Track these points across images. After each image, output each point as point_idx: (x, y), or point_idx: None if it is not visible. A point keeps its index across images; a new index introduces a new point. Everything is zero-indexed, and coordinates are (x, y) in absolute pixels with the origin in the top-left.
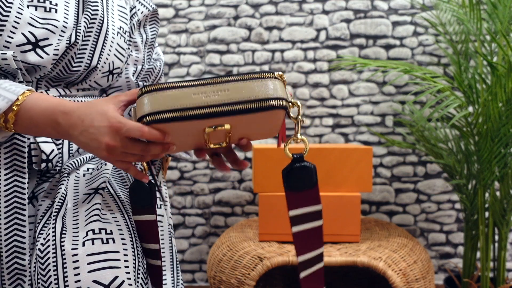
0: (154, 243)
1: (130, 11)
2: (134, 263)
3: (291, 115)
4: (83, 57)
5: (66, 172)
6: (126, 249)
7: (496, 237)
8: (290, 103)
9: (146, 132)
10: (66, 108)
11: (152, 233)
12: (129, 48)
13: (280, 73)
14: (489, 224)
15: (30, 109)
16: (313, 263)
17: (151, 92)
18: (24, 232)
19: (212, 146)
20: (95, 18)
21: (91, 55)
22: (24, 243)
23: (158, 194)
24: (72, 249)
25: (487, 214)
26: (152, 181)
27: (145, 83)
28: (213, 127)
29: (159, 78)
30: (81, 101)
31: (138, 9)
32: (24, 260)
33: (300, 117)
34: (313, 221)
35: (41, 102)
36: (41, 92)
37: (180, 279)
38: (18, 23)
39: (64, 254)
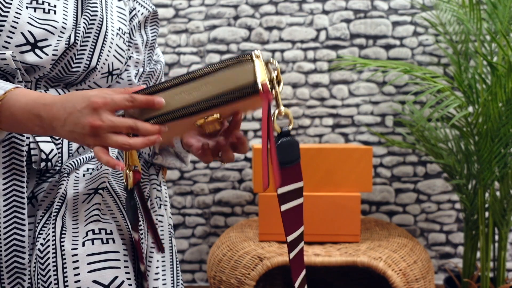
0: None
1: (130, 12)
2: (134, 263)
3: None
4: (83, 58)
5: (66, 172)
6: (126, 249)
7: (496, 237)
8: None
9: (138, 98)
10: (46, 100)
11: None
12: (128, 49)
13: (257, 52)
14: (489, 224)
15: (12, 106)
16: (298, 242)
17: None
18: (24, 231)
19: (208, 131)
20: (95, 19)
21: (90, 56)
22: (23, 242)
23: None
24: (72, 249)
25: (487, 214)
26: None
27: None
28: (204, 118)
29: (159, 81)
30: None
31: (138, 11)
32: (23, 259)
33: (277, 89)
34: (298, 198)
35: (22, 98)
36: (40, 91)
37: (180, 279)
38: (17, 23)
39: (64, 254)
